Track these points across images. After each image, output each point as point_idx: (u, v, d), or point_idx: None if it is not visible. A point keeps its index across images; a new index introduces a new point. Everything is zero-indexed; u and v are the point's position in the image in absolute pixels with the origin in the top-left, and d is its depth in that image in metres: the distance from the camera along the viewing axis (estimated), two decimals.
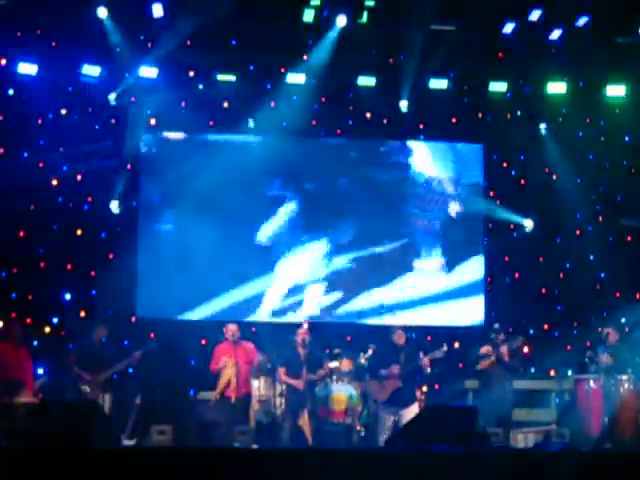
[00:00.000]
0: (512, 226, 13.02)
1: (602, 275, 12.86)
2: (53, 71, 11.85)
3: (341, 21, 11.67)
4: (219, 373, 10.53)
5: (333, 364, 11.00)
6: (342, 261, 12.75)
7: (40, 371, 10.91)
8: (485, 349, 10.78)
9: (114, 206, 12.20)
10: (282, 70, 12.30)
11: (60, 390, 10.39)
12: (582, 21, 11.69)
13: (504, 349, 10.62)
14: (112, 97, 12.00)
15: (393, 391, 10.02)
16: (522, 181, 13.11)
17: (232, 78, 12.29)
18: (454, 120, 12.86)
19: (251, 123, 12.44)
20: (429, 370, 10.17)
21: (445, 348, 10.21)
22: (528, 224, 12.83)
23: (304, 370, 10.52)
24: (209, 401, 10.64)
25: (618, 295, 12.64)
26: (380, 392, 10.20)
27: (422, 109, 12.70)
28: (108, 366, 10.61)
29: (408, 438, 6.91)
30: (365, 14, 11.69)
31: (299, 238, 12.78)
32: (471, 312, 12.78)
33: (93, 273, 12.18)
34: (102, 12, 11.42)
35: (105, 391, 10.50)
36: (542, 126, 12.85)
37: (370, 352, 10.92)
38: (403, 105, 12.48)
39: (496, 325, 11.03)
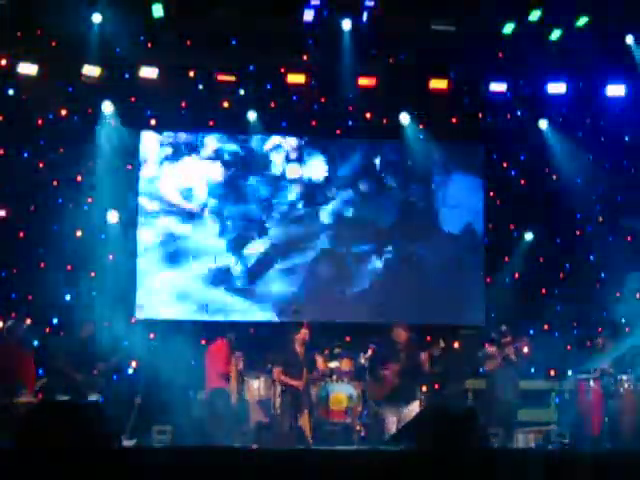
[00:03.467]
0: (512, 226, 13.03)
1: (602, 275, 12.85)
2: (53, 71, 11.84)
3: (346, 25, 11.70)
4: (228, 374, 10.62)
5: (333, 364, 11.00)
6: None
7: (40, 371, 10.90)
8: (491, 350, 10.76)
9: (112, 216, 12.20)
10: (282, 70, 12.30)
11: (60, 390, 10.38)
12: (582, 21, 11.69)
13: (511, 349, 10.61)
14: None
15: (392, 389, 9.99)
16: (522, 181, 13.11)
17: (232, 78, 12.29)
18: (454, 120, 12.85)
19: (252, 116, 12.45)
20: (427, 367, 10.13)
21: (442, 344, 10.15)
22: (528, 237, 12.84)
23: (304, 370, 10.53)
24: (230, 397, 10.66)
25: (618, 295, 12.64)
26: (378, 391, 10.18)
27: (422, 109, 12.70)
28: (96, 364, 10.59)
29: (408, 438, 6.91)
30: (365, 14, 11.70)
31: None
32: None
33: (93, 274, 12.19)
34: (96, 18, 11.43)
35: (95, 390, 10.47)
36: (543, 122, 12.82)
37: (370, 352, 10.92)
38: (404, 118, 12.56)
39: (503, 327, 10.99)
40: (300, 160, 12.90)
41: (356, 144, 13.04)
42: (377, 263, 12.90)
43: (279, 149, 12.87)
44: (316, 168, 12.89)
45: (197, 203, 12.72)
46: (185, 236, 12.59)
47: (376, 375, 10.10)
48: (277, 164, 12.85)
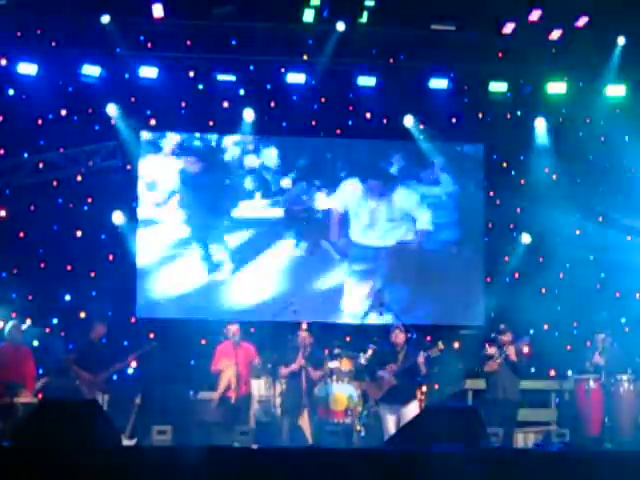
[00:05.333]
0: (512, 226, 13.02)
1: (602, 275, 12.85)
2: (53, 71, 11.85)
3: (340, 27, 11.73)
4: (219, 374, 10.58)
5: (333, 364, 10.99)
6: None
7: (40, 371, 10.90)
8: (491, 350, 10.74)
9: (117, 217, 12.19)
10: (282, 70, 12.31)
11: (60, 390, 10.38)
12: (582, 21, 11.69)
13: (511, 349, 10.58)
14: None
15: (389, 389, 9.99)
16: (522, 181, 13.11)
17: (232, 78, 12.29)
18: (454, 120, 12.85)
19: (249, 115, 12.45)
20: (425, 368, 10.11)
21: (441, 346, 10.13)
22: (526, 239, 12.82)
23: (307, 370, 10.57)
24: (211, 402, 10.64)
25: (618, 295, 12.64)
26: (376, 390, 10.18)
27: (422, 109, 12.71)
28: (107, 366, 10.62)
29: (408, 438, 6.91)
30: (365, 14, 11.70)
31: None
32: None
33: (93, 274, 12.20)
34: (105, 18, 11.44)
35: (104, 391, 10.49)
36: (540, 121, 12.80)
37: (370, 352, 10.91)
38: (408, 121, 12.57)
39: (502, 326, 10.98)
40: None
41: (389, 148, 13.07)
42: (375, 262, 12.91)
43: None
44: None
45: (195, 201, 12.74)
46: (184, 235, 12.59)
47: (374, 375, 10.10)
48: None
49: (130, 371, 11.60)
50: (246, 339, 10.99)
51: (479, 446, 6.77)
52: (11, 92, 12.03)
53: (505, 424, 10.16)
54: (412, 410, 9.65)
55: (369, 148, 13.05)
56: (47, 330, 11.84)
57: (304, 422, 10.54)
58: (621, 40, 11.87)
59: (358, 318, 12.35)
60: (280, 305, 11.82)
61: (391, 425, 9.75)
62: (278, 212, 12.79)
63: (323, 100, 12.79)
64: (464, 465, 6.12)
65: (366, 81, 12.37)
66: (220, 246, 12.65)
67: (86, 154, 12.24)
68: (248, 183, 12.81)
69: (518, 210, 12.99)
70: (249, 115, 12.48)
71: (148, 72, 12.03)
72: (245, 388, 10.65)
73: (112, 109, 12.12)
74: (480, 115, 13.00)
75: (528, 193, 12.91)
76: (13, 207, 12.00)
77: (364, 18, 11.74)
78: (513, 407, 10.62)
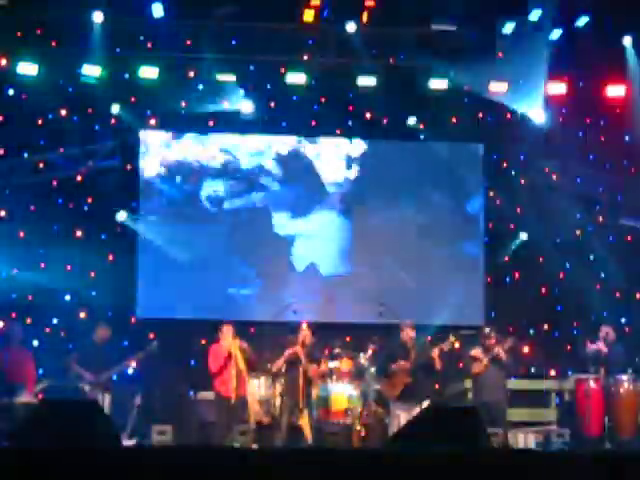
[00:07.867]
0: (512, 226, 13.02)
1: (602, 275, 12.85)
2: (53, 71, 11.85)
3: (350, 28, 11.77)
4: (219, 374, 10.59)
5: (333, 364, 11.00)
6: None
7: (40, 372, 10.90)
8: (475, 352, 10.74)
9: (121, 216, 12.19)
10: (282, 70, 12.31)
11: (60, 390, 10.39)
12: (582, 21, 11.70)
13: (499, 349, 10.59)
14: None
15: (404, 388, 9.98)
16: (522, 181, 13.11)
17: (232, 78, 12.29)
18: (454, 120, 12.85)
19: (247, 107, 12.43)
20: (439, 363, 10.10)
21: (452, 338, 10.16)
22: (523, 236, 12.82)
23: (304, 369, 10.58)
24: (211, 401, 10.63)
25: (618, 295, 12.64)
26: (390, 389, 10.18)
27: (422, 109, 12.71)
28: (109, 366, 10.63)
29: (408, 438, 6.90)
30: (365, 14, 11.70)
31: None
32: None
33: (93, 274, 12.20)
34: (98, 17, 11.43)
35: (105, 391, 10.50)
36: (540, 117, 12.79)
37: (370, 352, 10.93)
38: (411, 120, 12.58)
39: (486, 329, 11.02)
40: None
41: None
42: (377, 262, 12.91)
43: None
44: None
45: (195, 202, 12.74)
46: (184, 235, 12.59)
47: (387, 372, 10.09)
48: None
49: (130, 371, 11.60)
50: (241, 338, 10.99)
51: (479, 446, 6.76)
52: (11, 92, 12.02)
53: (495, 425, 10.16)
54: None
55: (369, 148, 13.06)
56: (47, 330, 11.85)
57: (304, 422, 10.54)
58: (627, 40, 11.87)
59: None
60: (280, 305, 11.84)
61: (401, 423, 9.77)
62: (277, 211, 12.81)
63: (323, 100, 12.79)
64: (464, 465, 6.11)
65: (366, 81, 12.37)
66: (220, 245, 12.66)
67: (86, 154, 12.24)
68: (247, 182, 12.83)
69: (518, 210, 12.99)
70: (246, 106, 12.42)
71: (148, 72, 12.03)
72: (244, 387, 10.64)
73: (115, 109, 12.14)
74: (480, 115, 12.99)
75: (528, 193, 12.91)
76: (13, 207, 12.00)
77: (364, 18, 11.74)
78: (500, 408, 10.60)
